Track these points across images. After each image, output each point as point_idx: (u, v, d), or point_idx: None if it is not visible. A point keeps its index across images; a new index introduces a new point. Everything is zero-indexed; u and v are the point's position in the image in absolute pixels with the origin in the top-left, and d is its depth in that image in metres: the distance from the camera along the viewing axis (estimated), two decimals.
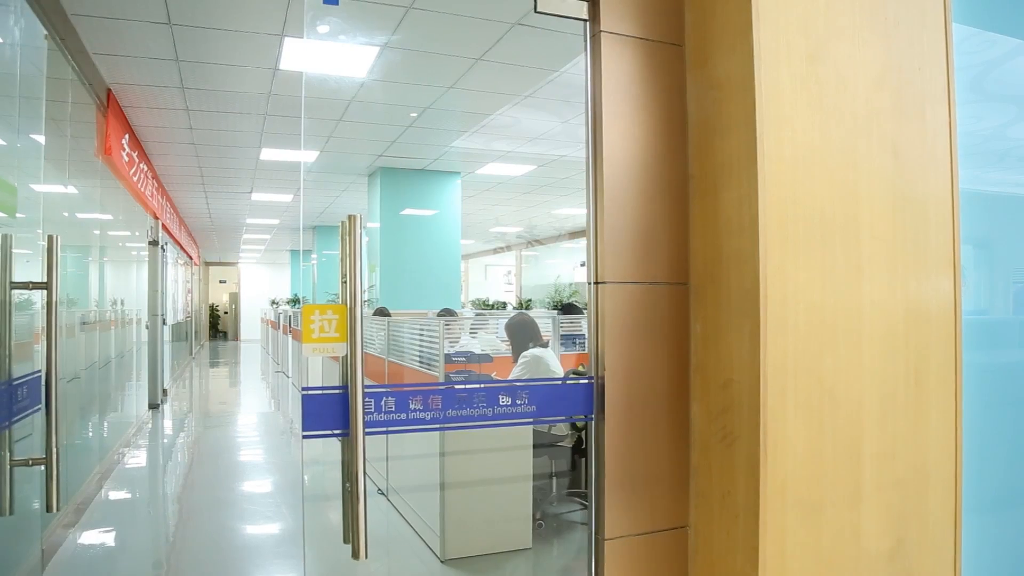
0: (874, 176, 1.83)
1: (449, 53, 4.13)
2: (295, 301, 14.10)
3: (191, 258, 14.11)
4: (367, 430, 1.54)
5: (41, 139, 2.23)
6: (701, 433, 1.85)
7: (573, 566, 3.33)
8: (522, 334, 3.92)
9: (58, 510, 1.92)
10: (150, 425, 6.94)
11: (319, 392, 1.54)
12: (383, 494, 4.12)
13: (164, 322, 8.31)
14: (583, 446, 3.96)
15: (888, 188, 1.86)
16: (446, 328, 4.01)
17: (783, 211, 1.69)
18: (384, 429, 1.53)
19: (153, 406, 7.62)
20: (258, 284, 20.77)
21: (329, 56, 4.23)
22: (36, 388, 2.16)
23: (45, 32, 2.11)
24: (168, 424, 7.16)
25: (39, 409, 2.17)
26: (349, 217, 1.53)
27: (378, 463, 4.16)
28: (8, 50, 1.93)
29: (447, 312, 5.12)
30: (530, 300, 9.48)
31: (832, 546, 1.75)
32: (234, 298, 21.51)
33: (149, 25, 3.71)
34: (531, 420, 1.83)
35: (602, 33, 1.80)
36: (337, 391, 1.57)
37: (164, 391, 8.20)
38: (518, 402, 1.79)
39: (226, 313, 22.22)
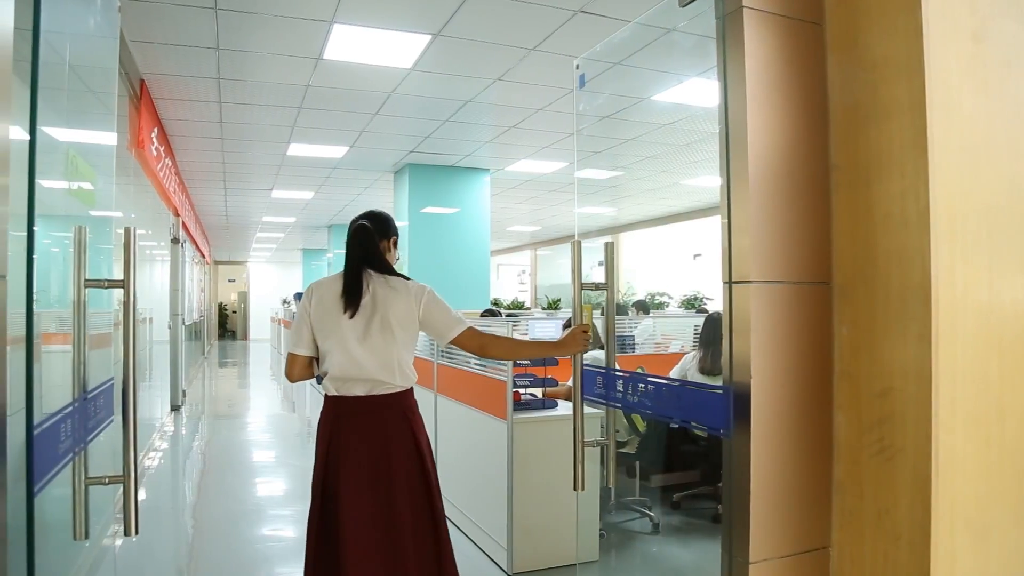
0: None
1: (503, 42, 3.97)
2: None
3: (203, 257, 13.94)
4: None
5: (114, 136, 2.07)
6: (848, 445, 1.69)
7: None
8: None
9: (136, 534, 1.75)
10: (173, 428, 6.78)
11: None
12: None
13: (183, 322, 8.14)
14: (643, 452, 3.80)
15: None
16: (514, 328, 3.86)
17: (951, 205, 1.54)
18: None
19: (175, 407, 7.45)
20: (267, 283, 20.60)
21: (376, 45, 4.06)
22: (109, 399, 2.00)
23: (119, 4, 1.94)
24: (192, 427, 7.00)
25: (111, 421, 2.01)
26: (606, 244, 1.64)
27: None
28: (90, 39, 1.78)
29: (490, 313, 4.96)
30: (558, 300, 9.25)
31: (1000, 573, 1.59)
32: (243, 297, 21.34)
33: (194, 10, 3.55)
34: (668, 419, 2.11)
35: (744, 9, 1.65)
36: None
37: (183, 392, 8.03)
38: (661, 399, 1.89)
39: (234, 312, 22.05)
